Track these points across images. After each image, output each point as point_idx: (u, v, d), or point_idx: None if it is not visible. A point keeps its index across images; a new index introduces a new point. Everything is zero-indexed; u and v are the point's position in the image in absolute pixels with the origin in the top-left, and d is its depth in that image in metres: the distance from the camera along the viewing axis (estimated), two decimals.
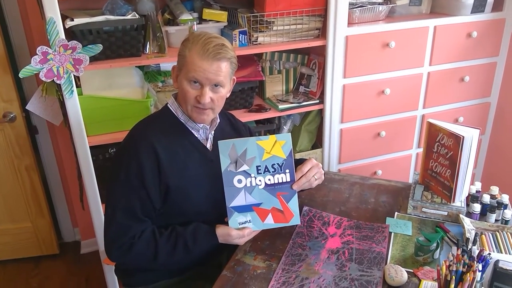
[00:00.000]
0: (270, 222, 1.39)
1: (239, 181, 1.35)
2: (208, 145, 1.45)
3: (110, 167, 1.41)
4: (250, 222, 1.37)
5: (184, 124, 1.41)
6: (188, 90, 1.32)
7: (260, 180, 1.36)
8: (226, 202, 1.35)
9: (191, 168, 1.39)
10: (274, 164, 1.36)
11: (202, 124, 1.41)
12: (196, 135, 1.43)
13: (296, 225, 1.49)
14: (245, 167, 1.34)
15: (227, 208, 1.35)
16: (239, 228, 1.36)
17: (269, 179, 1.37)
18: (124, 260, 1.37)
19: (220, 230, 1.36)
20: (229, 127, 1.58)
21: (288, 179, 1.38)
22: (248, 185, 1.36)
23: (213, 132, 1.47)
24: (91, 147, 1.80)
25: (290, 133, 1.40)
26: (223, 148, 1.32)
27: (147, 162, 1.31)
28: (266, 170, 1.36)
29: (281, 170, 1.37)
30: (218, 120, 1.46)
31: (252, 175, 1.35)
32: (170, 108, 1.42)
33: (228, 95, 1.42)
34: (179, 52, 1.35)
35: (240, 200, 1.36)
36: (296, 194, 1.39)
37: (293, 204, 1.39)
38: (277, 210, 1.38)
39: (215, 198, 1.41)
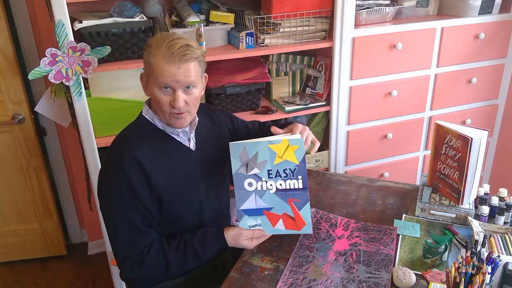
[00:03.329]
0: (280, 227, 1.38)
1: (250, 184, 1.34)
2: (192, 146, 1.42)
3: (99, 188, 1.37)
4: (260, 225, 1.37)
5: (163, 131, 1.37)
6: (160, 97, 1.28)
7: (271, 185, 1.35)
8: (236, 204, 1.35)
9: (180, 173, 1.37)
10: (286, 169, 1.34)
11: (181, 129, 1.37)
12: (178, 139, 1.39)
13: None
14: (256, 171, 1.33)
15: (237, 210, 1.35)
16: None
17: (281, 184, 1.35)
18: (137, 276, 1.35)
19: (230, 231, 1.35)
20: (208, 122, 1.53)
21: (301, 186, 1.35)
22: (259, 189, 1.35)
23: (193, 131, 1.44)
24: (99, 149, 1.81)
25: (303, 139, 1.37)
26: (234, 150, 1.31)
27: (134, 175, 1.28)
28: (278, 174, 1.34)
29: (293, 176, 1.34)
30: (197, 119, 1.43)
31: (263, 179, 1.34)
32: (146, 116, 1.38)
33: (202, 94, 1.38)
34: (144, 60, 1.31)
35: (250, 203, 1.35)
36: (309, 203, 1.37)
37: (305, 212, 1.37)
38: (288, 217, 1.37)
39: (210, 196, 1.42)
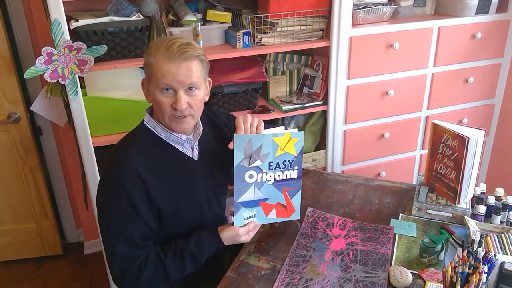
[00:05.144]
0: (273, 216, 1.42)
1: (251, 176, 1.35)
2: (195, 155, 1.39)
3: (98, 200, 1.33)
4: (254, 216, 1.39)
5: (166, 141, 1.33)
6: (162, 100, 1.23)
7: (270, 176, 1.37)
8: (235, 197, 1.35)
9: (181, 185, 1.34)
10: (285, 160, 1.37)
11: (186, 137, 1.34)
12: (181, 149, 1.35)
13: (297, 220, 1.52)
14: (258, 163, 1.34)
15: (235, 203, 1.35)
16: (244, 224, 1.36)
17: (279, 175, 1.38)
18: None
19: (226, 233, 1.34)
20: (211, 129, 1.49)
21: (295, 176, 1.40)
22: (259, 180, 1.36)
23: (197, 140, 1.41)
24: (95, 148, 1.80)
25: (303, 132, 1.39)
26: (238, 142, 1.30)
27: (134, 190, 1.24)
28: (277, 166, 1.37)
29: (290, 167, 1.38)
30: (202, 128, 1.38)
31: (264, 170, 1.36)
32: (148, 125, 1.33)
33: (206, 99, 1.33)
34: (144, 63, 1.27)
35: (249, 195, 1.36)
36: (300, 191, 1.42)
37: (296, 200, 1.42)
38: (281, 205, 1.41)
39: (211, 203, 1.43)
